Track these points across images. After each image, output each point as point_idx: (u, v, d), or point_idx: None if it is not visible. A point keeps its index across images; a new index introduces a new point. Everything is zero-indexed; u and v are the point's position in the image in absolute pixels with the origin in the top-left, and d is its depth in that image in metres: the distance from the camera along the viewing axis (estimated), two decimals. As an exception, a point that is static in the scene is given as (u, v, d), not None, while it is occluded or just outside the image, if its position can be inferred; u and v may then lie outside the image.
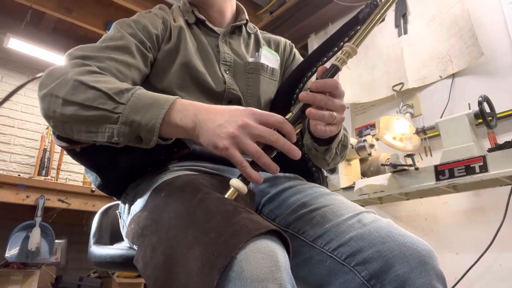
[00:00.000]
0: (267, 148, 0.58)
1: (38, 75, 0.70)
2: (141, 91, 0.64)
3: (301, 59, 1.05)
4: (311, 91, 0.65)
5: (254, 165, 0.58)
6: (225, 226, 0.50)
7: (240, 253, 0.47)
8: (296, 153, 0.58)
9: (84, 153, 0.73)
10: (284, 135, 0.59)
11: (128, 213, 0.78)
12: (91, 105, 0.62)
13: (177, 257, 0.51)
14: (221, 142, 0.56)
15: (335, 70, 0.67)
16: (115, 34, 0.80)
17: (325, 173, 0.99)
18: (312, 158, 0.89)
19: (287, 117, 0.63)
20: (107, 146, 0.66)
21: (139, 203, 0.72)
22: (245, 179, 0.59)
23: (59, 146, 0.74)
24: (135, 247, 0.65)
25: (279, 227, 0.73)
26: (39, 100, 0.68)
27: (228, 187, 0.59)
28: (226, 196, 0.59)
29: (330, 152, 0.83)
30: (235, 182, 0.59)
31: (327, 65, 0.70)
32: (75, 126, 0.65)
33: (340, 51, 0.69)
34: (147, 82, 0.85)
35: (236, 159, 0.56)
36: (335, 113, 0.66)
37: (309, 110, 0.64)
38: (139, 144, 0.63)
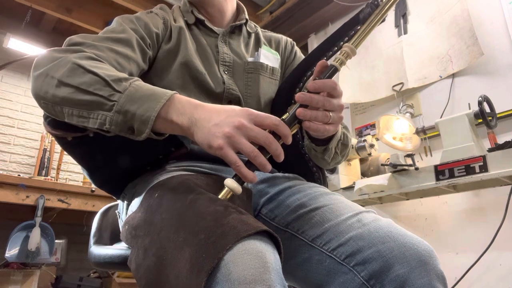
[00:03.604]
0: (262, 148, 0.58)
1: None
2: (139, 82, 0.64)
3: (303, 57, 1.04)
4: (308, 91, 0.65)
5: (249, 164, 0.57)
6: (214, 227, 0.50)
7: (228, 255, 0.47)
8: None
9: (76, 145, 0.72)
10: (280, 137, 0.59)
11: (126, 213, 0.78)
12: (87, 90, 0.62)
13: (167, 259, 0.51)
14: (215, 141, 0.56)
15: (333, 70, 0.66)
16: (117, 27, 0.80)
17: (326, 173, 0.98)
18: (312, 158, 0.89)
19: (283, 117, 0.63)
20: (101, 141, 0.65)
21: (135, 204, 0.71)
22: (239, 179, 0.59)
23: (49, 132, 0.72)
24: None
25: (278, 226, 0.73)
26: (31, 79, 0.67)
27: (223, 186, 0.59)
28: (220, 196, 0.59)
29: (328, 152, 0.83)
30: (229, 182, 0.58)
31: None
32: (66, 109, 0.64)
33: (339, 52, 0.68)
34: (148, 80, 0.85)
35: (230, 159, 0.56)
36: (331, 113, 0.66)
37: (299, 111, 0.63)
38: (130, 135, 0.62)
